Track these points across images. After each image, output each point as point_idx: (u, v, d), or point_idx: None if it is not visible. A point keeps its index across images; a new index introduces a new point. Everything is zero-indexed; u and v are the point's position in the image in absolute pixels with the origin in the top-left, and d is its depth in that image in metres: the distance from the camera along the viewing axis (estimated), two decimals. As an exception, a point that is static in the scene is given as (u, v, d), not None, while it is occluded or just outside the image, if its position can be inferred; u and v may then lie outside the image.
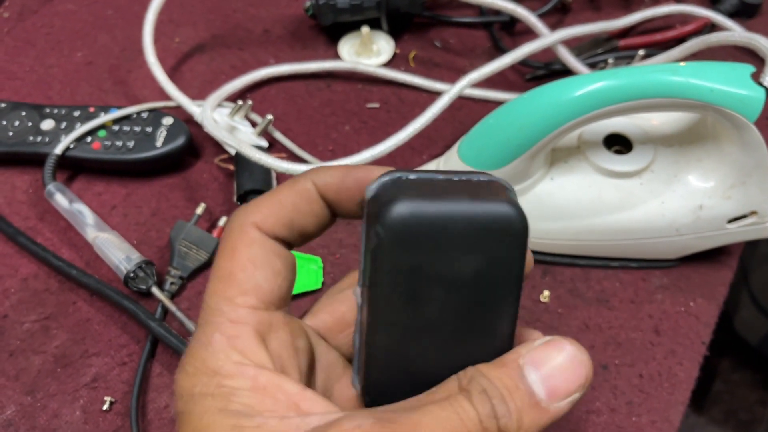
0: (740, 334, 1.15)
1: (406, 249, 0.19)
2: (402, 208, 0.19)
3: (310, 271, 0.45)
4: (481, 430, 0.18)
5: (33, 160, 0.50)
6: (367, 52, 0.58)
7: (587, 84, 0.39)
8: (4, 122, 0.50)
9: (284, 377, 0.21)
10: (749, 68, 0.39)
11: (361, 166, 0.23)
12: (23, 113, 0.51)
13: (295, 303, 0.44)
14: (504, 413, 0.18)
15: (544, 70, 0.56)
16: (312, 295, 0.45)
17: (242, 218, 0.22)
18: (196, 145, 0.52)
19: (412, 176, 0.20)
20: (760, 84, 0.38)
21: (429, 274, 0.20)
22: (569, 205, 0.44)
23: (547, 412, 0.19)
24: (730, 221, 0.42)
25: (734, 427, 1.14)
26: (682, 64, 0.39)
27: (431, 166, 0.47)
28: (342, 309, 0.26)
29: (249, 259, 0.22)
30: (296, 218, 0.23)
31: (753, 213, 0.42)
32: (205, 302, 0.22)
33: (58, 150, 0.48)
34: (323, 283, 0.45)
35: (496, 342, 0.21)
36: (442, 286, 0.20)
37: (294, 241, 0.24)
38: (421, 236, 0.19)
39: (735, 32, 0.47)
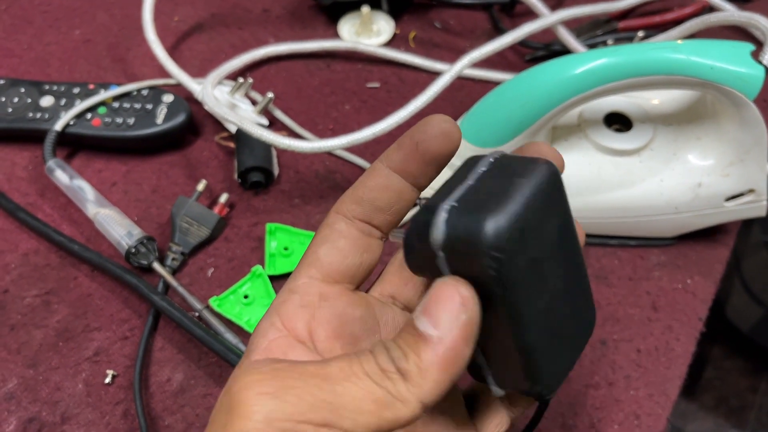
0: (732, 321, 1.15)
1: (516, 254, 0.20)
2: (493, 227, 0.19)
3: (310, 248, 0.45)
4: (379, 372, 0.20)
5: (32, 137, 0.50)
6: (367, 32, 0.58)
7: (588, 61, 0.39)
8: (3, 99, 0.50)
9: (297, 344, 0.23)
10: (749, 47, 0.39)
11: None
12: (22, 90, 0.51)
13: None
14: (399, 355, 0.20)
15: (544, 51, 0.57)
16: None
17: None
18: (196, 123, 0.52)
19: (454, 202, 0.21)
20: (760, 62, 0.38)
21: (540, 258, 0.21)
22: (569, 182, 0.43)
23: (437, 340, 0.20)
24: (728, 199, 0.43)
25: (725, 413, 1.15)
26: (681, 42, 0.39)
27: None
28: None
29: (319, 238, 0.25)
30: (366, 194, 0.25)
31: (751, 191, 0.42)
32: None
33: (58, 126, 0.48)
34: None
35: (584, 272, 0.23)
36: (551, 259, 0.21)
37: (375, 218, 0.25)
38: (516, 237, 0.20)
39: (734, 12, 0.47)
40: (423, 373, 0.20)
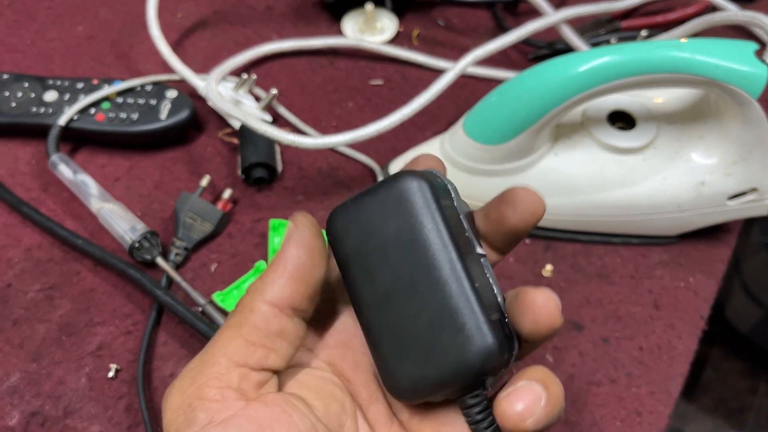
0: (731, 322, 1.16)
1: (343, 237, 0.24)
2: (331, 213, 0.24)
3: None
4: None
5: (36, 132, 0.50)
6: (371, 29, 0.58)
7: (592, 59, 0.39)
8: (7, 93, 0.50)
9: None
10: (753, 45, 0.39)
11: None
12: (26, 84, 0.51)
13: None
14: None
15: (548, 50, 0.57)
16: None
17: None
18: (199, 119, 0.52)
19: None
20: (764, 61, 0.38)
21: (363, 251, 0.24)
22: (572, 180, 0.44)
23: None
24: (730, 198, 0.43)
25: (724, 415, 1.15)
26: (684, 40, 0.39)
27: (435, 142, 0.47)
28: None
29: None
30: None
31: (753, 190, 0.42)
32: None
33: (62, 121, 0.48)
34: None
35: (450, 283, 0.23)
36: (382, 257, 0.23)
37: None
38: (349, 223, 0.24)
39: (737, 12, 0.47)
40: (262, 280, 0.24)
